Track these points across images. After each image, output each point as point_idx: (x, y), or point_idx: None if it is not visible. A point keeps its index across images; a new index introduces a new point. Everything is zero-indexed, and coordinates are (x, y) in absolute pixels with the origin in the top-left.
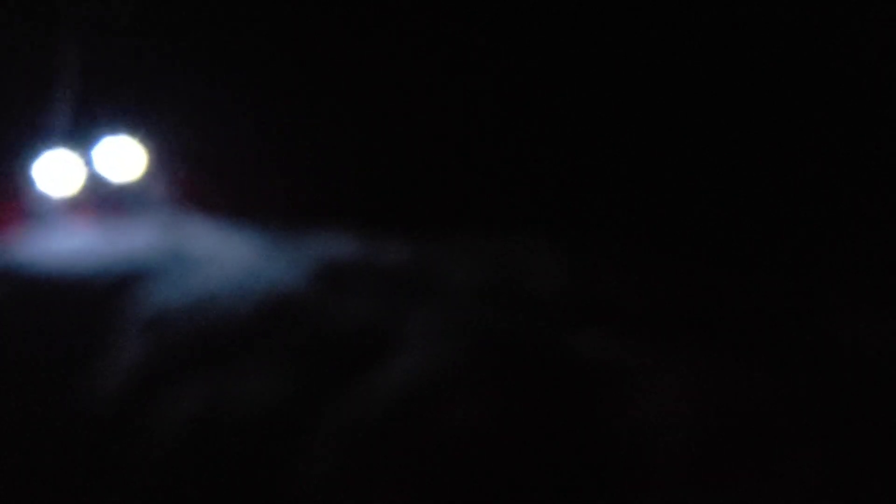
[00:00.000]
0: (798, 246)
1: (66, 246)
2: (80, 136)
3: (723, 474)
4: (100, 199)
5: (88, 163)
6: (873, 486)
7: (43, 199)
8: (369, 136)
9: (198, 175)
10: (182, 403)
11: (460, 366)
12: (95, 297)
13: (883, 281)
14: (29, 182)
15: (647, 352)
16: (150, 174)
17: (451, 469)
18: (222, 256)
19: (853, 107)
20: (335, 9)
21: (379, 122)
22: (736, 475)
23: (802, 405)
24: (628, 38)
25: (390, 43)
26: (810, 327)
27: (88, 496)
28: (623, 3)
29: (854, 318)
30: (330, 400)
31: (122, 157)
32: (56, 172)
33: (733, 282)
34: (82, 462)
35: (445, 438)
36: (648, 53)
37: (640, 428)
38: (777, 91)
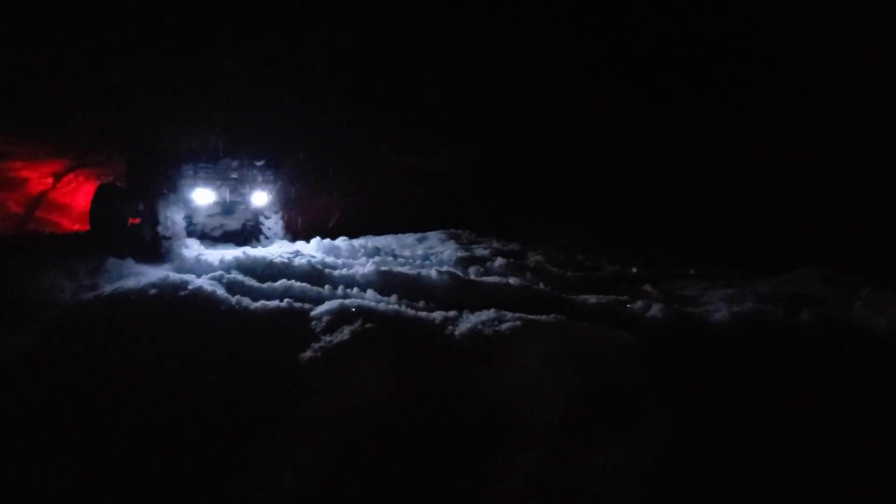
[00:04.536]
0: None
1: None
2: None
3: (587, 435)
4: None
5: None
6: (721, 443)
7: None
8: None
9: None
10: None
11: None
12: None
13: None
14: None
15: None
16: (270, 202)
17: (350, 438)
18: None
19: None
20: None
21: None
22: (599, 435)
23: (658, 368)
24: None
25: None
26: (669, 297)
27: None
28: None
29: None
30: None
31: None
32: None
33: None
34: None
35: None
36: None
37: (511, 395)
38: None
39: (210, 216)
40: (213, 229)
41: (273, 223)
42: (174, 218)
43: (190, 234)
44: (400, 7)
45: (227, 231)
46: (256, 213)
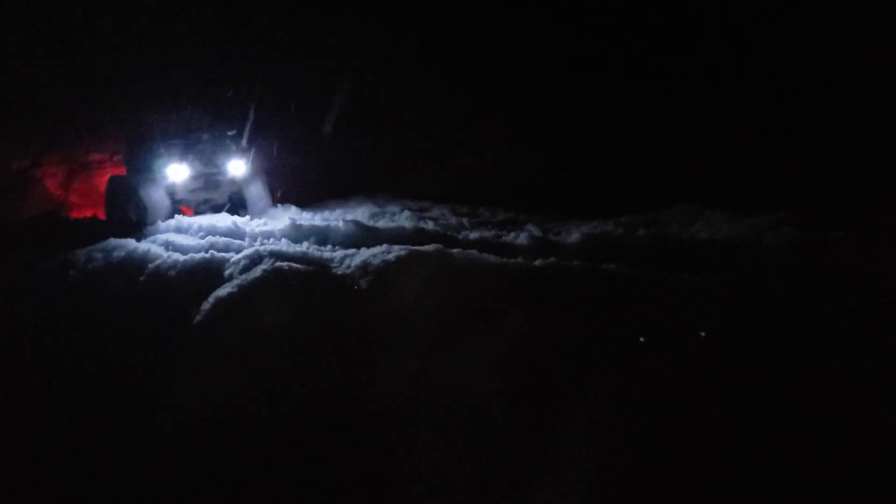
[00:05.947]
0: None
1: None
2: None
3: (456, 336)
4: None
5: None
6: (564, 333)
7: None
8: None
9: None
10: None
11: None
12: None
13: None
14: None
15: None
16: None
17: (258, 357)
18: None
19: None
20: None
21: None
22: (466, 336)
23: (516, 280)
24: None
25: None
26: (546, 232)
27: None
28: None
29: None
30: None
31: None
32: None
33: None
34: None
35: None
36: None
37: (396, 310)
38: None
39: (192, 191)
40: (198, 204)
41: (256, 193)
42: (151, 196)
43: (177, 210)
44: None
45: (215, 205)
46: (239, 185)
